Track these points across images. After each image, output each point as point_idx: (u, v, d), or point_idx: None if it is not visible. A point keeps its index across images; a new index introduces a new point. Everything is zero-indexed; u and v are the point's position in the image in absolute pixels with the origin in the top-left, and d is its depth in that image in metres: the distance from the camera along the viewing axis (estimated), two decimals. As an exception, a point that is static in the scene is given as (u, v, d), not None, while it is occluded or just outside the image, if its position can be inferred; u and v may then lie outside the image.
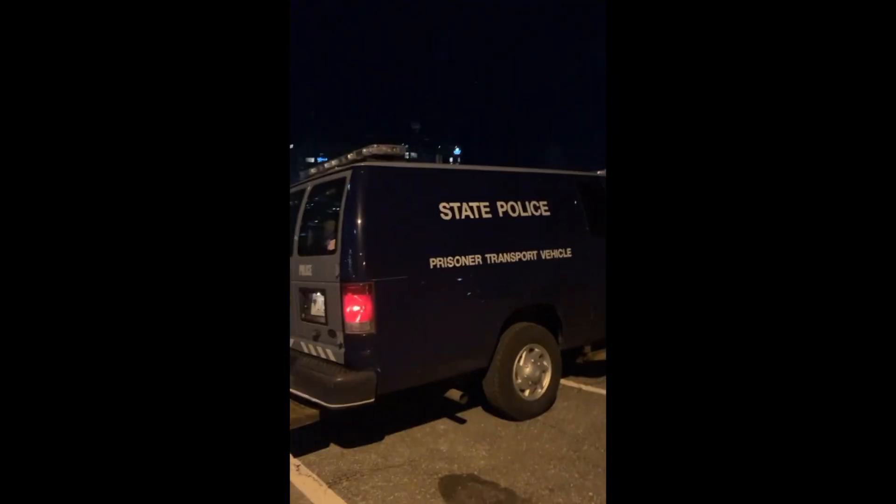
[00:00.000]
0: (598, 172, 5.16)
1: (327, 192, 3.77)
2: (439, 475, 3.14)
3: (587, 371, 5.01)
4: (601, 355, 4.60)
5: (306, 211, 3.92)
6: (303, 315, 3.77)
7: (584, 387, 4.69)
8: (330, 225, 3.61)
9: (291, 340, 3.90)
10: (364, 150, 3.56)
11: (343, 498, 2.93)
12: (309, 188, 3.95)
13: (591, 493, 2.83)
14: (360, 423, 3.97)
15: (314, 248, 3.71)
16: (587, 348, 4.58)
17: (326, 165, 3.90)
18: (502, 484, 2.99)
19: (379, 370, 3.24)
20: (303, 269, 3.74)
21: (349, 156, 3.65)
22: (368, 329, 3.23)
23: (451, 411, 4.15)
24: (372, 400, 3.22)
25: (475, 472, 3.16)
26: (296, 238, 3.90)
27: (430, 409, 4.20)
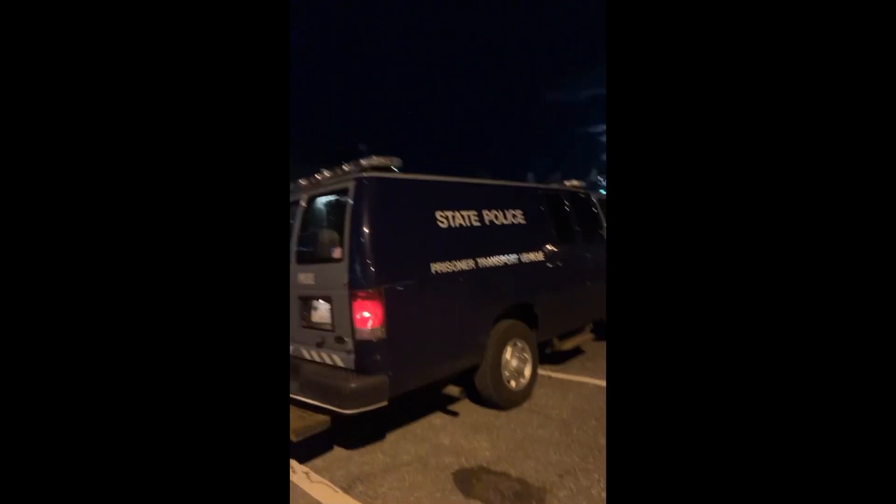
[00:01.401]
0: (555, 185, 5.11)
1: (328, 202, 3.37)
2: (451, 470, 2.91)
3: (553, 359, 4.94)
4: (567, 345, 4.56)
5: (304, 220, 3.48)
6: (303, 322, 3.34)
7: (552, 374, 4.63)
8: (332, 234, 3.23)
9: (291, 347, 3.45)
10: (363, 162, 3.22)
11: (361, 502, 2.61)
12: (305, 198, 3.52)
13: (596, 476, 2.72)
14: (361, 424, 3.60)
15: (316, 257, 3.30)
16: (555, 339, 4.51)
17: (319, 177, 3.48)
18: (513, 473, 2.81)
19: (390, 373, 2.95)
20: (303, 277, 3.32)
21: (345, 167, 3.28)
22: (379, 334, 2.92)
23: (442, 405, 3.90)
24: (386, 403, 2.91)
25: (484, 464, 2.95)
26: (294, 247, 3.45)
27: (422, 404, 3.92)
